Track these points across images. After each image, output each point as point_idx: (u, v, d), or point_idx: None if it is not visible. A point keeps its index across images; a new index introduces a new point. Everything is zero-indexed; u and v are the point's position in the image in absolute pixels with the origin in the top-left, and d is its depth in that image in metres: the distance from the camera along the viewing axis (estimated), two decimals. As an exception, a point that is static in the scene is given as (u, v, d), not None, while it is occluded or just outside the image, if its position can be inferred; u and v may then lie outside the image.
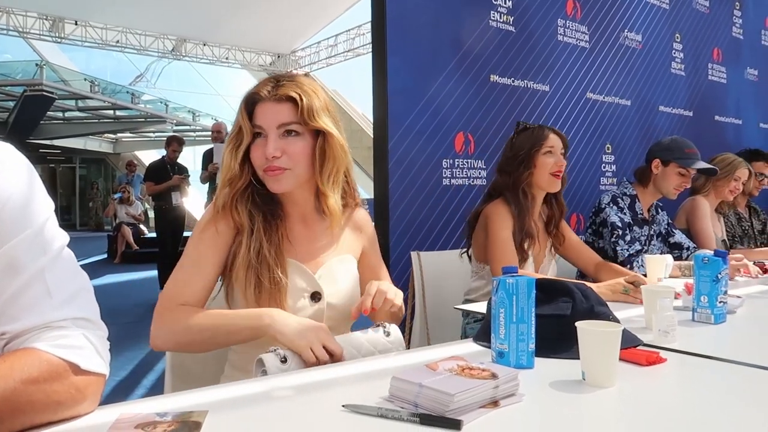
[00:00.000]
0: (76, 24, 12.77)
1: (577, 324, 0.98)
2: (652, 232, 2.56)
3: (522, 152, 2.01)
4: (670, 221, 2.67)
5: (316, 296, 1.22)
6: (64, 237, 0.85)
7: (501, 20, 3.13)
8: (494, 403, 0.86)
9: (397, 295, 1.18)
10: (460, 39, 2.96)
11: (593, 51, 3.60)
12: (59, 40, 13.02)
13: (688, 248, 2.59)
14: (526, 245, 1.98)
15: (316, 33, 15.16)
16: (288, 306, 1.18)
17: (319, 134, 1.21)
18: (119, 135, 17.79)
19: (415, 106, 2.79)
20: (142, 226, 10.16)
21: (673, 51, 4.17)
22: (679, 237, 2.62)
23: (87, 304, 0.83)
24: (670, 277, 2.15)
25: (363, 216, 1.39)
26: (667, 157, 2.48)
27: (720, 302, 1.41)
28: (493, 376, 0.87)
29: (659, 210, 2.65)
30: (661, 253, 2.51)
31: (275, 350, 1.03)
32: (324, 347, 1.05)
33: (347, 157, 1.25)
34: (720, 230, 3.13)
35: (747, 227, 3.33)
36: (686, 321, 1.44)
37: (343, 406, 0.83)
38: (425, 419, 0.79)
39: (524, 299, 1.04)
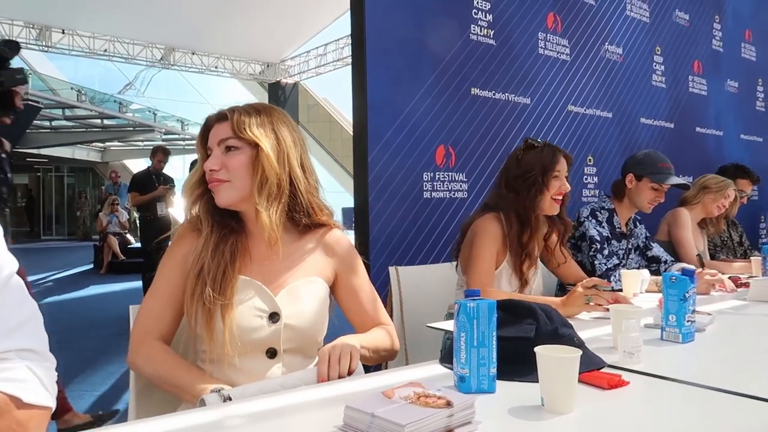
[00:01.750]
0: (63, 32, 12.70)
1: (536, 349, 0.97)
2: (630, 246, 2.57)
3: (532, 174, 1.94)
4: (647, 235, 2.69)
5: (273, 317, 1.21)
6: (12, 264, 0.83)
7: (481, 33, 3.15)
8: (448, 432, 0.85)
9: (346, 359, 1.14)
10: (440, 52, 2.97)
11: (574, 64, 3.63)
12: (46, 48, 12.95)
13: (665, 261, 2.60)
14: (525, 268, 1.95)
15: (306, 42, 15.18)
16: (239, 326, 1.17)
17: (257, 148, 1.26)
18: (107, 144, 17.70)
19: (395, 119, 2.79)
20: (129, 236, 10.09)
21: (654, 63, 4.21)
22: (656, 251, 2.63)
23: (33, 335, 0.81)
24: (647, 291, 2.16)
25: (337, 238, 1.36)
26: (640, 172, 2.49)
27: (688, 321, 1.41)
28: (448, 404, 0.87)
29: (637, 224, 2.66)
30: (638, 267, 2.52)
31: (219, 390, 1.02)
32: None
33: (278, 170, 1.24)
34: (702, 243, 3.15)
35: (726, 238, 3.35)
36: (655, 340, 1.44)
37: (294, 437, 0.82)
38: (375, 451, 0.78)
39: (485, 323, 1.04)
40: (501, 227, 1.94)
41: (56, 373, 0.85)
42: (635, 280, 2.05)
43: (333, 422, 0.87)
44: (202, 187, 1.29)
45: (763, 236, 4.93)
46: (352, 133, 2.83)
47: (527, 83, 3.37)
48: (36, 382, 0.78)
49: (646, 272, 2.09)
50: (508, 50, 3.28)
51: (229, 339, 1.16)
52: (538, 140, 2.04)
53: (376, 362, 1.32)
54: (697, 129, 4.55)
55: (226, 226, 1.25)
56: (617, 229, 2.51)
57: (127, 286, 7.79)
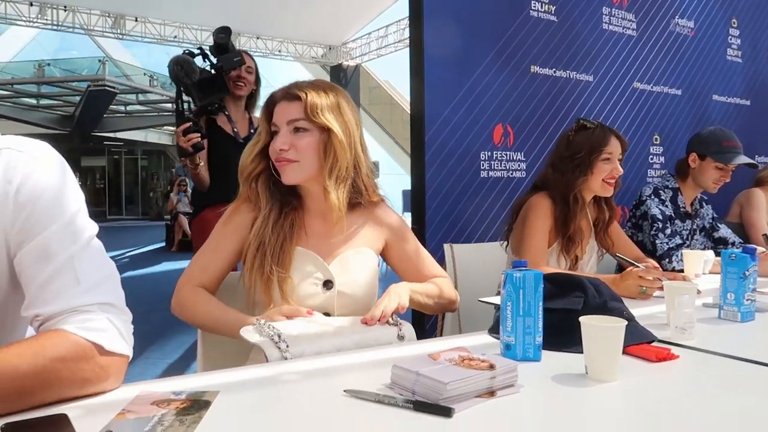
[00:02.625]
0: (136, 20, 13.27)
1: (581, 318, 0.99)
2: (694, 227, 2.49)
3: (579, 155, 1.92)
4: (715, 216, 2.59)
5: (328, 284, 1.28)
6: (93, 228, 0.93)
7: (542, 10, 3.08)
8: (490, 394, 0.89)
9: (391, 305, 1.22)
10: (499, 30, 2.94)
11: (641, 39, 3.50)
12: (121, 36, 13.57)
13: (733, 243, 2.50)
14: (572, 249, 1.94)
15: (367, 24, 15.20)
16: (296, 293, 1.24)
17: (327, 131, 1.29)
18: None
19: (452, 98, 2.80)
20: (197, 216, 10.52)
21: (729, 37, 3.99)
22: (724, 232, 2.53)
23: (112, 291, 0.90)
24: (711, 273, 2.10)
25: (385, 212, 1.43)
26: (704, 151, 2.40)
27: (747, 300, 1.37)
28: (491, 367, 0.90)
29: (703, 204, 2.57)
30: (704, 249, 2.44)
31: (277, 339, 1.09)
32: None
33: (348, 154, 1.31)
34: (778, 224, 3.00)
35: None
36: (712, 318, 1.42)
37: (344, 391, 0.88)
38: (418, 406, 0.82)
39: (531, 293, 1.06)
40: (552, 206, 1.94)
41: (132, 326, 0.93)
42: (697, 261, 2.00)
43: (381, 381, 0.93)
44: (264, 163, 1.33)
45: None
46: (410, 113, 2.86)
47: (590, 60, 3.28)
48: (115, 332, 0.87)
49: (710, 253, 2.03)
50: (570, 26, 3.20)
51: (288, 288, 1.25)
52: (592, 121, 1.99)
53: (434, 310, 1.39)
54: (777, 106, 4.29)
55: (285, 203, 1.32)
56: (681, 209, 2.44)
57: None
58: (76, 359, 0.82)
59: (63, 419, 0.76)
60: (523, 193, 2.93)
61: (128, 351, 0.90)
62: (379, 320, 1.19)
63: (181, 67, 2.40)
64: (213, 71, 2.52)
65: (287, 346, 1.05)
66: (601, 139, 1.92)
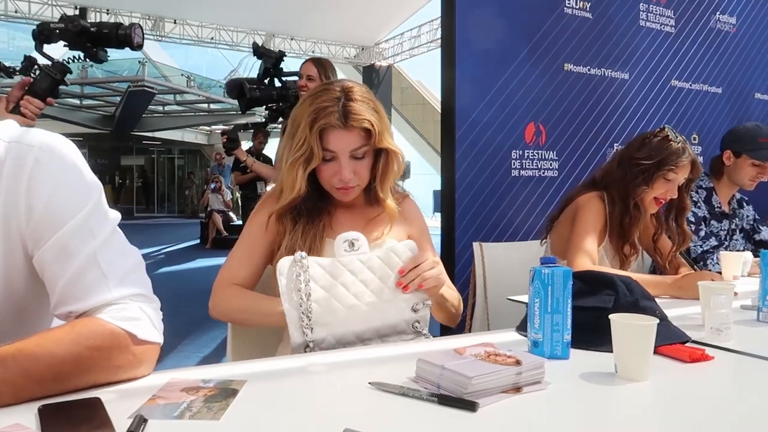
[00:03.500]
0: (174, 23, 13.56)
1: (611, 316, 0.97)
2: (733, 227, 2.41)
3: (647, 163, 1.82)
4: (756, 217, 2.50)
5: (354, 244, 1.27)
6: (114, 217, 0.91)
7: (577, 7, 3.04)
8: (516, 389, 0.88)
9: (432, 276, 1.19)
10: (532, 27, 2.91)
11: (679, 36, 3.41)
12: (160, 38, 13.88)
13: None
14: (626, 252, 1.88)
15: (400, 24, 15.20)
16: None
17: (381, 149, 1.30)
18: (213, 127, 18.77)
19: (484, 96, 2.78)
20: (231, 214, 10.69)
21: (774, 33, 3.86)
22: (766, 234, 2.45)
23: (140, 280, 0.92)
24: (749, 275, 2.03)
25: (411, 207, 1.45)
26: (739, 148, 2.34)
27: (788, 302, 1.33)
28: (517, 363, 0.89)
29: (744, 204, 2.49)
30: (743, 250, 2.37)
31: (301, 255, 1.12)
32: None
33: (404, 163, 1.35)
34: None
35: None
36: (751, 321, 1.38)
37: (369, 383, 0.88)
38: (443, 399, 0.82)
39: (560, 290, 1.05)
40: (604, 207, 1.88)
41: (161, 313, 0.95)
42: (736, 262, 1.94)
43: (406, 374, 0.93)
44: (308, 181, 1.29)
45: None
46: (442, 111, 2.85)
47: (626, 57, 3.21)
48: (147, 320, 0.89)
49: (748, 254, 1.97)
50: (606, 23, 3.14)
51: None
52: (679, 135, 1.87)
53: (445, 319, 1.35)
54: (824, 105, 4.13)
55: (314, 208, 1.33)
56: (717, 209, 2.36)
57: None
58: (111, 348, 0.85)
59: (97, 402, 0.79)
60: (558, 192, 2.90)
61: (159, 338, 0.92)
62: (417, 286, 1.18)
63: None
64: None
65: (312, 332, 1.07)
66: (675, 158, 1.81)
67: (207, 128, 18.93)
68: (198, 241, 10.72)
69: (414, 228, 1.43)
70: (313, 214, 1.33)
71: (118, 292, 0.87)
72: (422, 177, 14.49)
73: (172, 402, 0.81)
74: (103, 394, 0.82)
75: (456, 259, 2.73)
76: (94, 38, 1.95)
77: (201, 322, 4.42)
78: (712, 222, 2.32)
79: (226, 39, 14.64)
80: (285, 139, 1.33)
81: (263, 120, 3.13)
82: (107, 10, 12.47)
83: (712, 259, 2.16)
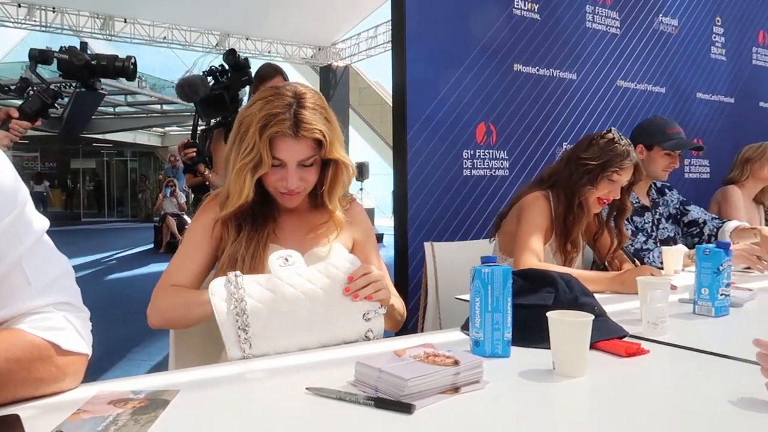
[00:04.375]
0: (125, 21, 13.17)
1: (548, 314, 0.98)
2: (657, 216, 2.45)
3: (592, 164, 1.86)
4: (682, 199, 2.55)
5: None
6: (42, 224, 0.87)
7: (525, 8, 3.09)
8: (455, 390, 0.88)
9: (377, 287, 1.16)
10: (482, 28, 2.94)
11: (624, 37, 3.51)
12: (110, 37, 13.46)
13: (705, 222, 2.46)
14: (568, 250, 1.92)
15: (356, 25, 15.18)
16: None
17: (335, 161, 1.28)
18: (167, 129, 18.36)
19: (435, 96, 2.79)
20: (186, 217, 10.47)
21: (714, 35, 4.01)
22: (694, 213, 2.49)
23: (66, 288, 0.88)
24: (684, 267, 2.08)
25: (357, 210, 1.43)
26: (650, 141, 2.42)
27: (722, 295, 1.37)
28: (456, 363, 0.89)
29: (666, 191, 2.53)
30: (674, 236, 2.46)
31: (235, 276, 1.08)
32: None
33: (354, 174, 1.34)
34: (758, 220, 3.02)
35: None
36: (687, 314, 1.42)
37: (306, 388, 0.87)
38: (379, 403, 0.81)
39: (499, 289, 1.05)
40: (549, 205, 1.91)
41: (90, 324, 0.91)
42: (676, 257, 2.00)
43: (346, 378, 0.91)
44: (255, 187, 1.26)
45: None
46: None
47: (573, 58, 3.28)
48: (72, 330, 0.86)
49: (682, 247, 2.04)
50: (554, 25, 3.20)
51: None
52: (625, 139, 1.91)
53: (391, 326, 1.35)
54: (761, 104, 4.32)
55: (258, 214, 1.30)
56: (636, 204, 2.41)
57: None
58: (32, 359, 0.81)
59: (14, 420, 0.75)
60: (509, 191, 2.94)
61: (86, 349, 0.88)
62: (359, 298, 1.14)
63: (189, 86, 2.54)
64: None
65: (250, 347, 1.04)
66: (619, 160, 1.85)
67: (160, 130, 18.49)
68: (152, 245, 10.46)
69: (360, 232, 1.42)
70: (257, 220, 1.30)
71: (42, 299, 0.83)
72: (381, 177, 14.48)
73: (97, 416, 0.78)
74: (24, 410, 0.78)
75: (409, 260, 2.73)
76: (93, 70, 2.03)
77: (153, 329, 4.30)
78: (635, 218, 2.35)
79: (179, 39, 14.30)
80: (232, 142, 1.28)
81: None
82: (53, 8, 12.02)
83: (649, 256, 2.22)
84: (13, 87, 2.10)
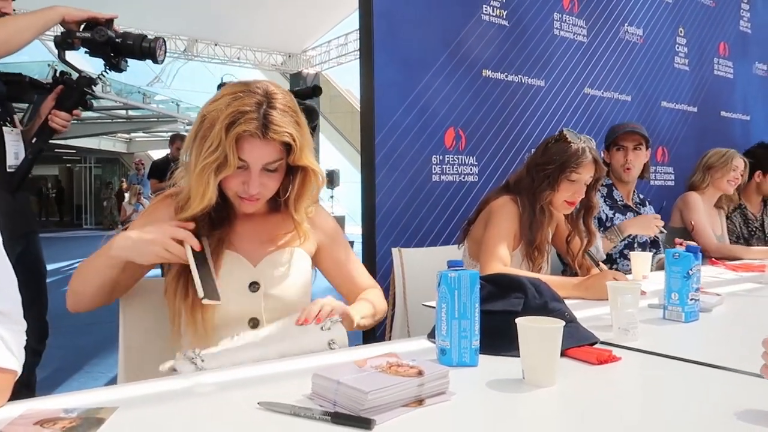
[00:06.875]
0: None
1: (518, 320, 0.94)
2: None
3: (550, 167, 1.85)
4: (657, 214, 2.64)
5: (254, 286, 1.19)
6: None
7: (494, 14, 3.08)
8: (419, 402, 0.82)
9: (327, 310, 1.13)
10: (451, 33, 2.91)
11: (591, 45, 3.53)
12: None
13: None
14: (535, 256, 1.89)
15: (327, 32, 15.15)
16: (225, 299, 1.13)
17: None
18: (132, 135, 17.98)
19: (403, 101, 2.75)
20: (152, 225, 10.24)
21: (677, 45, 4.07)
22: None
23: (4, 297, 0.80)
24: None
25: (320, 214, 1.37)
26: (607, 143, 2.62)
27: (691, 299, 1.35)
28: (420, 373, 0.84)
29: (647, 203, 2.64)
30: (651, 242, 2.50)
31: (192, 358, 0.99)
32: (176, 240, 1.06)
33: (324, 183, 1.27)
34: (718, 226, 3.06)
35: (755, 228, 3.22)
36: (657, 319, 1.39)
37: (258, 403, 0.80)
38: (336, 418, 0.75)
39: (467, 294, 1.00)
40: (518, 210, 1.89)
41: (26, 337, 0.84)
42: (645, 262, 1.99)
43: (302, 391, 0.85)
44: (217, 195, 1.17)
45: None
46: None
47: (541, 65, 3.28)
48: (0, 344, 0.78)
49: (648, 254, 2.04)
50: (522, 31, 3.20)
51: (212, 312, 1.15)
52: (579, 136, 1.90)
53: (372, 325, 1.32)
54: (723, 113, 4.40)
55: (215, 219, 1.22)
56: (620, 202, 2.47)
57: (149, 273, 7.90)
58: None
59: None
60: (478, 197, 2.91)
61: (15, 365, 0.80)
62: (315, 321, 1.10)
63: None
64: None
65: (203, 361, 0.96)
66: (575, 159, 1.83)
67: (126, 136, 18.10)
68: (116, 254, 10.18)
69: (324, 235, 1.35)
70: (212, 224, 1.21)
71: None
72: (352, 185, 14.43)
73: (20, 438, 0.70)
74: (-64, 433, 0.69)
75: (377, 266, 2.67)
76: (118, 48, 1.92)
77: (113, 341, 4.14)
78: (617, 215, 2.40)
79: (144, 43, 14.06)
80: (192, 138, 1.17)
81: None
82: (14, 9, 11.68)
83: (620, 264, 2.22)
84: (47, 84, 2.00)
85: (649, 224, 2.20)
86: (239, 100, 1.13)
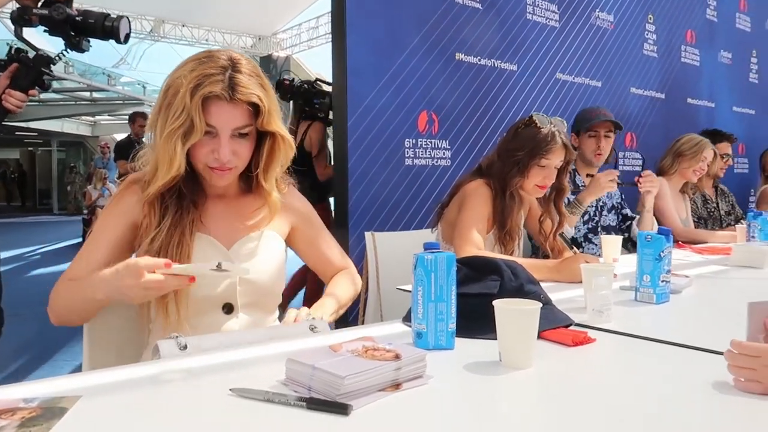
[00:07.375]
0: (49, 3, 12.44)
1: (494, 302, 0.93)
2: (601, 203, 2.59)
3: (520, 154, 1.84)
4: (623, 197, 2.72)
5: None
6: None
7: (467, -3, 3.05)
8: (396, 386, 0.81)
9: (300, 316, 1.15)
10: (424, 16, 2.88)
11: (563, 30, 3.54)
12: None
13: (633, 218, 2.66)
14: (507, 240, 1.89)
15: (298, 15, 14.93)
16: (191, 286, 1.09)
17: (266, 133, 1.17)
18: (97, 117, 17.50)
19: (376, 83, 2.72)
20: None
21: (646, 32, 4.12)
22: (628, 211, 2.71)
23: None
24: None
25: (294, 195, 1.34)
26: (578, 128, 2.60)
27: (663, 281, 1.37)
28: (396, 357, 0.82)
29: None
30: (616, 226, 2.54)
31: (176, 337, 0.96)
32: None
33: (293, 151, 1.22)
34: (684, 210, 3.12)
35: (712, 209, 3.31)
36: (629, 301, 1.40)
37: (230, 389, 0.77)
38: (312, 404, 0.73)
39: (443, 276, 0.99)
40: (491, 194, 1.88)
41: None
42: (615, 245, 2.01)
43: (277, 376, 0.83)
44: (185, 166, 1.13)
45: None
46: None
47: (514, 49, 3.28)
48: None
49: (619, 237, 2.07)
50: (495, 15, 3.18)
51: (184, 298, 1.11)
52: (549, 119, 1.88)
53: (340, 315, 1.31)
54: (689, 100, 4.48)
55: (182, 197, 1.17)
56: (581, 187, 2.51)
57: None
58: None
59: None
60: (451, 181, 2.90)
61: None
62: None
63: None
64: None
65: (186, 345, 0.94)
66: (545, 145, 1.82)
67: (91, 119, 17.60)
68: (80, 239, 9.92)
69: (299, 218, 1.32)
70: (182, 204, 1.16)
71: None
72: (323, 170, 14.34)
73: (-25, 430, 0.66)
74: None
75: (350, 250, 2.65)
76: (78, 27, 1.83)
77: (79, 328, 4.05)
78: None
79: (109, 23, 13.64)
80: (158, 110, 1.12)
81: None
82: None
83: (591, 248, 2.25)
84: (0, 61, 1.89)
85: (602, 185, 2.20)
86: (204, 64, 1.11)
